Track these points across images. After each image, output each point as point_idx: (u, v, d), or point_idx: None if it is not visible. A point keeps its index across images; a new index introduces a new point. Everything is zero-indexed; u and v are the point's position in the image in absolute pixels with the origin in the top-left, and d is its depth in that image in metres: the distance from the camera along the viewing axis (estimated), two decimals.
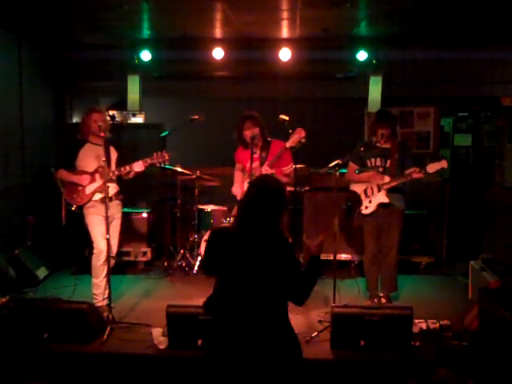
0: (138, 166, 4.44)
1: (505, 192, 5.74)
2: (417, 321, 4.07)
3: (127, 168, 4.46)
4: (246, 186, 4.62)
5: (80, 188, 4.48)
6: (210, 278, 2.80)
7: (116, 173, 4.49)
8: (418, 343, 3.88)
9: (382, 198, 4.64)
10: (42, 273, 5.55)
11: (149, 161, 4.42)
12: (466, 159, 8.82)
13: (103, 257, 4.37)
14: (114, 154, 4.62)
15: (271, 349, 2.51)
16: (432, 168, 4.42)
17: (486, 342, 3.59)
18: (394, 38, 6.58)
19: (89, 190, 4.47)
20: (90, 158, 4.51)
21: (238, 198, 4.72)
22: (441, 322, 4.12)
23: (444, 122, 8.43)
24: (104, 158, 4.22)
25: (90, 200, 4.47)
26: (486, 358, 3.37)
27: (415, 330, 4.01)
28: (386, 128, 4.62)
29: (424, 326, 4.10)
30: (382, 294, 4.80)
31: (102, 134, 4.37)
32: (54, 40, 6.65)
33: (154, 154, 4.43)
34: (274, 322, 2.57)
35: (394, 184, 4.60)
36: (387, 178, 4.63)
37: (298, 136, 4.33)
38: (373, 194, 4.69)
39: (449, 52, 6.67)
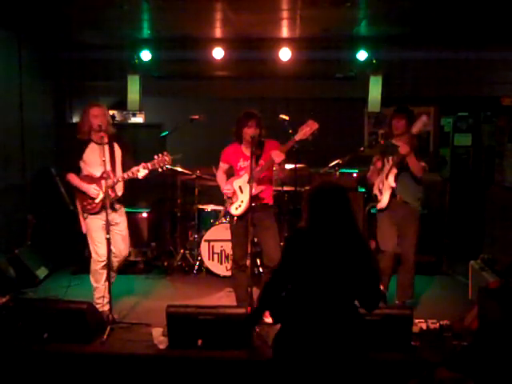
0: (142, 174, 4.32)
1: (505, 192, 5.74)
2: (417, 321, 4.07)
3: (130, 175, 4.34)
4: (236, 185, 4.52)
5: (91, 199, 4.38)
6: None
7: (120, 180, 4.38)
8: (418, 343, 3.88)
9: (390, 182, 4.55)
10: (41, 273, 5.56)
11: (150, 166, 4.29)
12: (466, 159, 8.82)
13: (103, 261, 4.33)
14: (118, 153, 4.51)
15: (347, 347, 2.55)
16: (416, 128, 4.38)
17: (485, 342, 3.59)
18: (394, 38, 6.57)
19: (98, 199, 4.36)
20: (95, 159, 4.37)
21: (227, 197, 4.59)
22: (441, 322, 4.12)
23: (444, 122, 8.44)
24: (108, 163, 4.24)
25: (100, 210, 4.36)
26: (486, 358, 3.37)
27: (415, 330, 4.01)
28: (400, 120, 4.59)
29: (424, 326, 4.10)
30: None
31: (102, 134, 4.34)
32: (54, 40, 6.65)
33: (155, 158, 4.28)
34: (352, 321, 2.61)
35: (392, 164, 4.53)
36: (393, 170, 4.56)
37: (309, 128, 4.13)
38: (383, 185, 4.63)
39: (449, 52, 6.67)
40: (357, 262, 2.59)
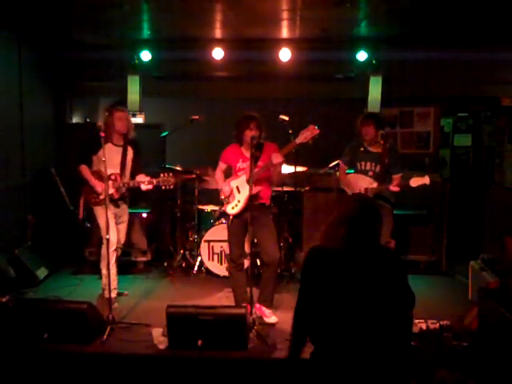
0: (146, 187, 4.65)
1: (505, 192, 5.74)
2: (417, 321, 4.08)
3: (135, 184, 4.68)
4: (233, 185, 4.60)
5: (96, 194, 4.69)
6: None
7: (125, 186, 4.71)
8: (418, 343, 3.88)
9: None
10: (42, 273, 5.55)
11: (155, 182, 4.60)
12: (466, 159, 8.82)
13: (112, 246, 4.60)
14: (129, 156, 4.80)
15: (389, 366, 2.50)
16: (414, 182, 4.62)
17: (485, 342, 3.59)
18: (394, 38, 6.58)
19: (103, 195, 4.60)
20: (108, 159, 4.47)
21: (224, 196, 4.66)
22: (441, 322, 4.12)
23: (444, 122, 8.43)
24: (118, 165, 4.65)
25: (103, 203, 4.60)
26: (486, 358, 3.37)
27: (415, 330, 4.02)
28: (368, 126, 4.85)
29: (424, 326, 4.10)
30: None
31: (122, 137, 4.70)
32: (54, 40, 6.65)
33: (161, 175, 4.58)
34: (390, 337, 2.55)
35: (377, 190, 4.77)
36: (375, 184, 4.80)
37: (310, 133, 4.23)
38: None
39: (449, 52, 6.66)
40: (389, 272, 2.56)
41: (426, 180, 4.60)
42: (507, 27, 5.92)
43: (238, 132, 4.49)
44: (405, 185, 4.67)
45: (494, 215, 5.86)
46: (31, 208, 6.11)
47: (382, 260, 2.58)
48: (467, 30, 6.14)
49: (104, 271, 4.72)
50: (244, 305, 4.40)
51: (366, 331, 2.49)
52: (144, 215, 6.12)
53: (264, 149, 4.52)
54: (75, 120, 7.44)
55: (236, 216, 4.55)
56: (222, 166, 4.74)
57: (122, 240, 4.98)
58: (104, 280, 4.75)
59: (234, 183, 4.60)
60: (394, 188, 4.69)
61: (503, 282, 4.14)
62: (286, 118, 4.92)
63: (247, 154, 4.48)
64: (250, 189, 4.24)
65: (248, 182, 4.33)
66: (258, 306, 4.50)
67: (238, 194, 4.56)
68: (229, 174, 4.76)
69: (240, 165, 4.57)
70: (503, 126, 6.26)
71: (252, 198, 4.31)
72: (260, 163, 4.45)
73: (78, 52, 6.88)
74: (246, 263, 4.89)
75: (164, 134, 5.98)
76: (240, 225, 4.51)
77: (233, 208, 4.56)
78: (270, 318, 4.50)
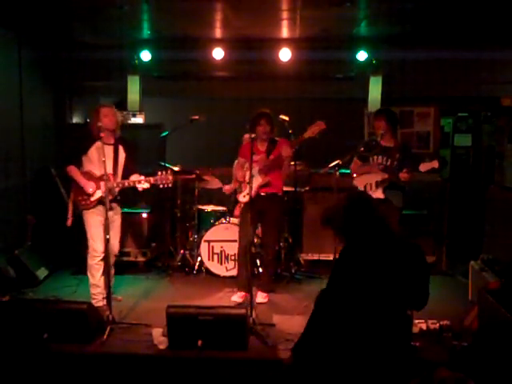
0: (143, 187, 4.47)
1: (505, 192, 5.73)
2: (417, 321, 4.08)
3: (130, 184, 4.48)
4: (246, 176, 4.83)
5: (86, 195, 4.46)
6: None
7: (120, 186, 4.50)
8: (418, 343, 3.88)
9: (378, 194, 4.82)
10: (42, 273, 5.55)
11: (152, 181, 4.42)
12: (466, 159, 8.80)
13: (98, 257, 4.43)
14: (122, 155, 4.60)
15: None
16: (423, 167, 4.63)
17: (486, 342, 3.59)
18: (394, 38, 6.58)
19: (94, 197, 4.46)
20: (99, 158, 4.38)
21: (245, 179, 4.93)
22: (441, 322, 4.13)
23: (444, 122, 8.42)
24: (111, 164, 4.43)
25: (94, 206, 4.47)
26: (486, 358, 3.37)
27: (415, 330, 4.01)
28: (380, 121, 4.91)
29: (424, 326, 4.11)
30: None
31: (110, 135, 4.48)
32: (54, 40, 6.65)
33: (159, 173, 4.42)
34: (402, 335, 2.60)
35: (387, 181, 4.80)
36: (385, 175, 4.84)
37: (318, 127, 4.51)
38: (371, 189, 4.86)
39: (449, 52, 6.66)
40: (412, 268, 2.58)
41: (435, 164, 4.58)
42: (507, 27, 5.92)
43: (251, 128, 4.77)
44: (414, 171, 4.68)
45: (493, 215, 5.86)
46: (31, 208, 6.10)
47: (407, 255, 2.58)
48: (467, 29, 6.14)
49: (91, 281, 4.52)
50: (243, 293, 4.77)
51: (374, 329, 2.50)
52: (144, 215, 6.12)
53: (277, 144, 4.85)
54: (75, 120, 7.43)
55: (247, 203, 4.82)
56: (240, 160, 5.11)
57: (116, 249, 4.71)
58: (93, 290, 4.53)
59: (247, 174, 4.85)
60: (403, 175, 4.70)
61: (503, 281, 4.14)
62: (286, 118, 5.02)
63: (261, 148, 4.86)
64: (250, 189, 4.46)
65: (260, 171, 4.75)
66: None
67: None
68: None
69: (254, 157, 4.76)
70: (503, 125, 6.27)
71: (262, 187, 4.78)
72: (271, 157, 4.79)
73: (78, 52, 6.88)
74: (253, 250, 5.20)
75: (164, 134, 5.97)
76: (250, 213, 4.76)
77: (244, 196, 4.93)
78: (258, 298, 4.83)
